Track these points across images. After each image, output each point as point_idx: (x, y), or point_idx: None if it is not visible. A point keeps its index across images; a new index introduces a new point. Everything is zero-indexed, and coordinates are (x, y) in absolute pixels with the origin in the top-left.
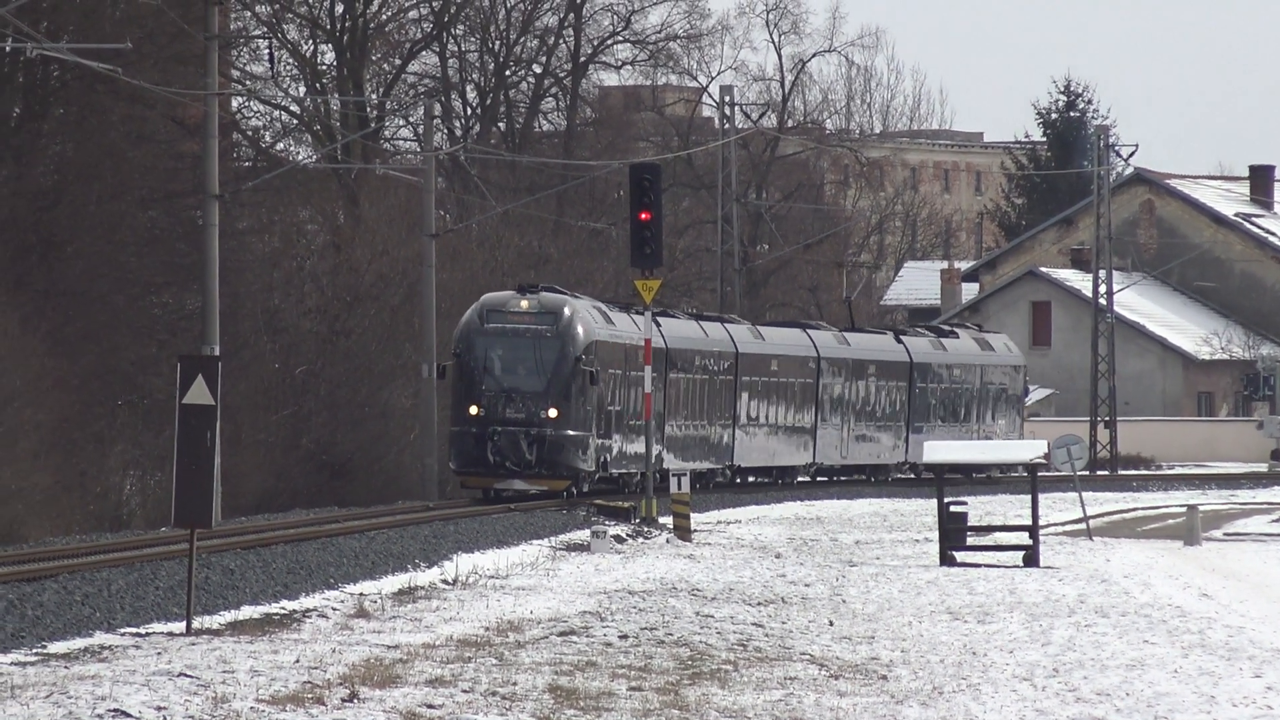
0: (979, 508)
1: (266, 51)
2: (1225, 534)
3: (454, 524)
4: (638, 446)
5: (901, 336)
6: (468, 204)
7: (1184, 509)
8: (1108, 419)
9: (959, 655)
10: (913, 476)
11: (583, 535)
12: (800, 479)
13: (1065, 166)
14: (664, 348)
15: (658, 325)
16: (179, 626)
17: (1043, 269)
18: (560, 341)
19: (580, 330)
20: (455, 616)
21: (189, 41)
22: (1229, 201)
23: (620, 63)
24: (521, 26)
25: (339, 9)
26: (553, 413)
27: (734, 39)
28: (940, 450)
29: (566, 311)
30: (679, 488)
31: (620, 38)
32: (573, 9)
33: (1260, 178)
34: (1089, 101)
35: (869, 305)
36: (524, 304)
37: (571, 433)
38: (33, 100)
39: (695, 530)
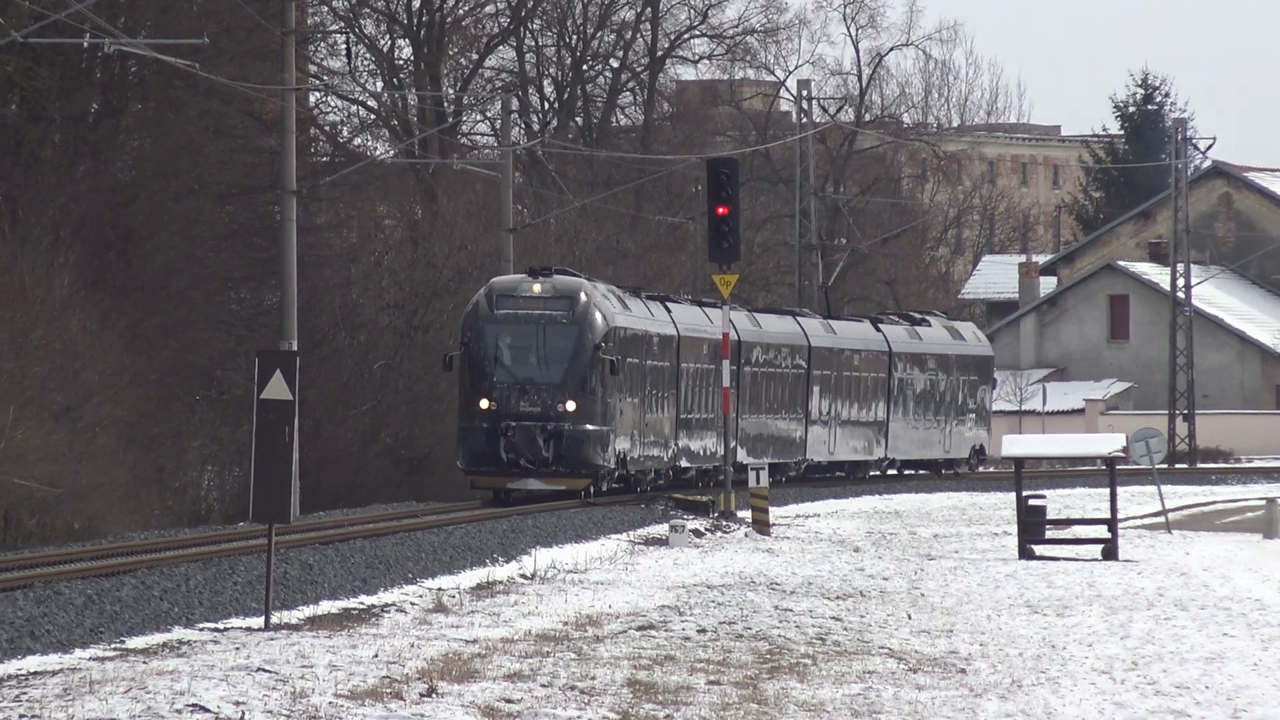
0: (1057, 501)
1: (344, 46)
2: None
3: (532, 518)
4: (658, 442)
5: (880, 325)
6: (545, 199)
7: (1263, 502)
8: (1186, 412)
9: (1038, 648)
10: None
11: (661, 529)
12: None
13: (1143, 160)
14: (675, 336)
15: (669, 312)
16: (257, 621)
17: (1120, 263)
18: (577, 328)
19: (598, 316)
20: (533, 611)
21: (266, 36)
22: None
23: (697, 57)
24: (598, 21)
25: (416, 4)
26: (571, 405)
27: (811, 33)
28: (1019, 444)
29: (583, 295)
30: (757, 482)
31: (697, 32)
32: (650, 3)
33: None
34: (1166, 94)
35: (946, 299)
36: (536, 287)
37: (591, 427)
38: (111, 96)
39: (773, 524)
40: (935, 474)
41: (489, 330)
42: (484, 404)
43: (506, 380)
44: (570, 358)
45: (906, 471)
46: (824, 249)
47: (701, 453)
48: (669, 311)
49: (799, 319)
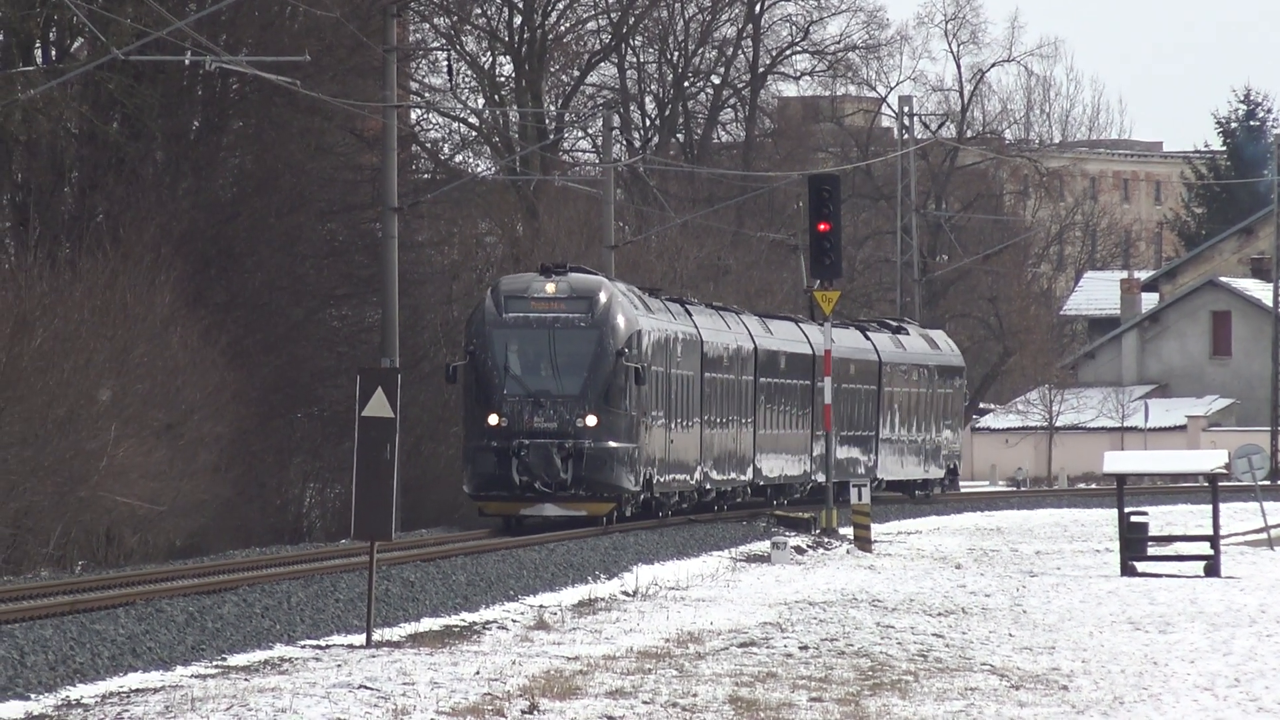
0: (1159, 518)
1: (445, 64)
2: None
3: (633, 535)
4: (685, 461)
5: (868, 332)
6: (647, 215)
7: None
8: None
9: (1140, 665)
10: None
11: (763, 546)
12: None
13: (1244, 176)
14: (699, 341)
15: (690, 316)
16: (359, 639)
17: (1223, 279)
18: (597, 332)
19: (620, 319)
20: (635, 628)
21: (368, 54)
22: None
23: (799, 73)
24: (700, 37)
25: (517, 21)
26: (591, 420)
27: (913, 49)
28: (1121, 460)
29: (603, 296)
30: (859, 499)
31: (799, 48)
32: (751, 20)
33: None
34: (1269, 110)
35: (1048, 315)
36: (550, 287)
37: (615, 444)
38: (212, 113)
39: (875, 541)
40: (909, 496)
41: (497, 336)
42: (493, 420)
43: (518, 393)
44: (590, 366)
45: (889, 493)
46: (925, 265)
47: (727, 473)
48: (690, 315)
49: (800, 325)
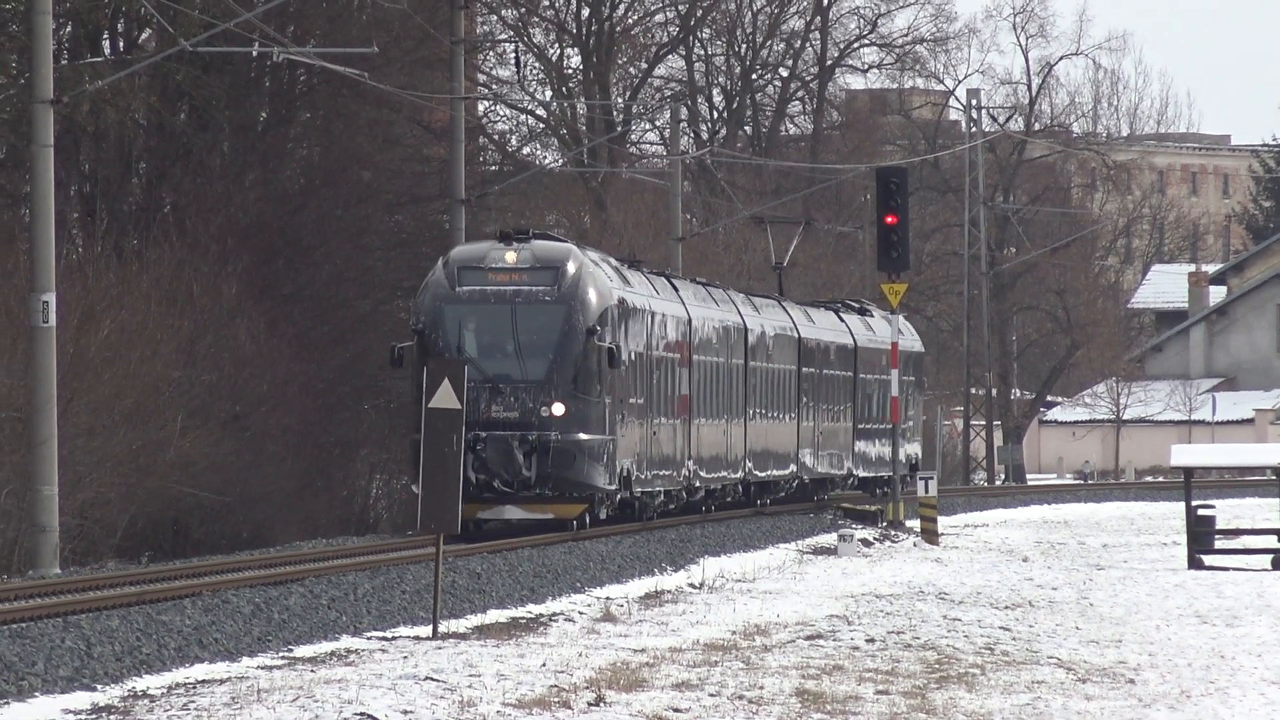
0: (1227, 511)
1: (513, 55)
2: None
3: (700, 528)
4: (669, 456)
5: (841, 315)
6: (714, 207)
7: None
8: None
9: (1207, 659)
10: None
11: (829, 539)
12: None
13: None
14: (686, 319)
15: (676, 291)
16: (425, 630)
17: None
18: (565, 307)
19: (592, 293)
20: (701, 620)
21: (435, 45)
22: None
23: (867, 66)
24: (768, 30)
25: (585, 13)
26: (558, 409)
27: (981, 42)
28: (1188, 453)
29: (571, 266)
30: (926, 491)
31: (866, 41)
32: (819, 12)
33: None
34: None
35: (1116, 309)
36: (510, 256)
37: (585, 437)
38: (280, 105)
39: (942, 534)
40: (870, 494)
41: (449, 313)
42: None
43: (474, 378)
44: (557, 346)
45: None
46: (992, 258)
47: (716, 469)
48: (676, 290)
49: (784, 305)
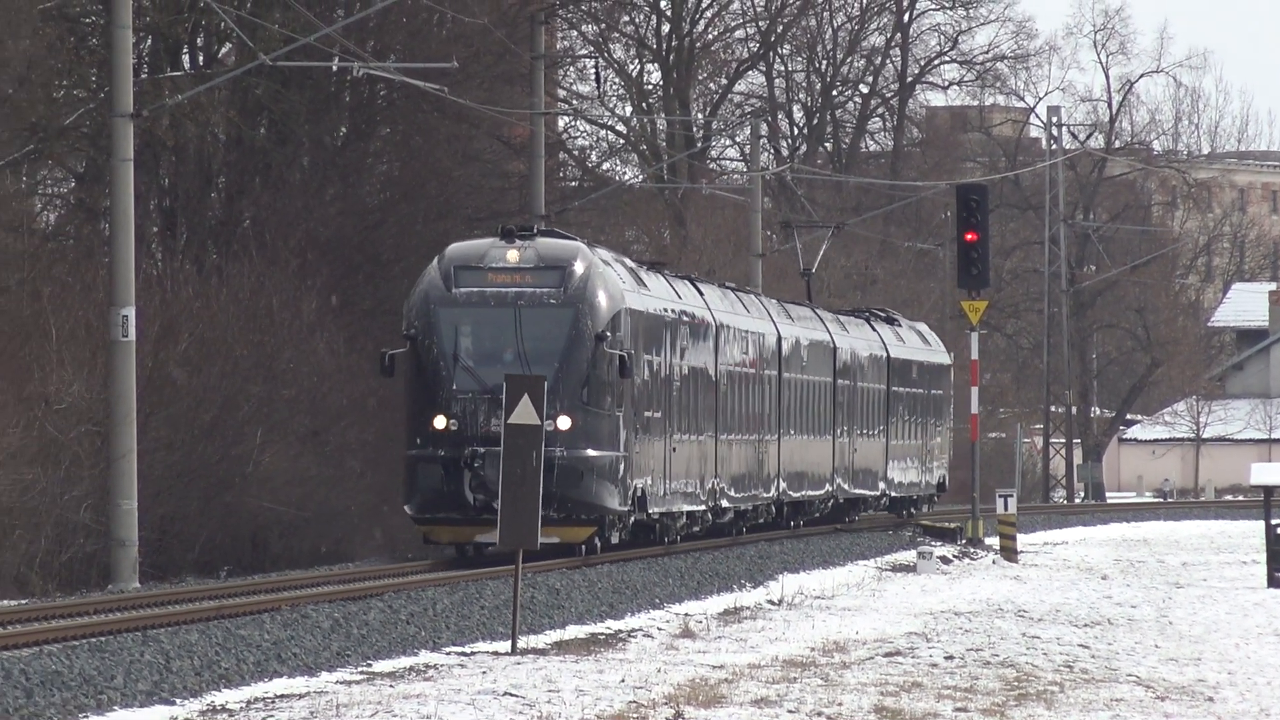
0: None
1: (593, 71)
2: None
3: (779, 544)
4: (691, 474)
5: (873, 323)
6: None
7: None
8: None
9: None
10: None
11: (908, 556)
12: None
13: None
14: (712, 326)
15: (701, 295)
16: (504, 646)
17: None
18: (572, 311)
19: (601, 295)
20: (780, 637)
21: (515, 60)
22: None
23: (947, 83)
24: (848, 46)
25: (666, 28)
26: (564, 423)
27: (1061, 59)
28: (1269, 472)
29: (578, 266)
30: (1005, 509)
31: (947, 58)
32: (900, 29)
33: None
34: None
35: (1196, 327)
36: (513, 255)
37: (594, 453)
38: (359, 119)
39: (1021, 551)
40: (898, 515)
41: (444, 317)
42: (439, 423)
43: (471, 388)
44: (562, 353)
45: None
46: (1072, 275)
47: (746, 489)
48: (701, 295)
49: (818, 313)
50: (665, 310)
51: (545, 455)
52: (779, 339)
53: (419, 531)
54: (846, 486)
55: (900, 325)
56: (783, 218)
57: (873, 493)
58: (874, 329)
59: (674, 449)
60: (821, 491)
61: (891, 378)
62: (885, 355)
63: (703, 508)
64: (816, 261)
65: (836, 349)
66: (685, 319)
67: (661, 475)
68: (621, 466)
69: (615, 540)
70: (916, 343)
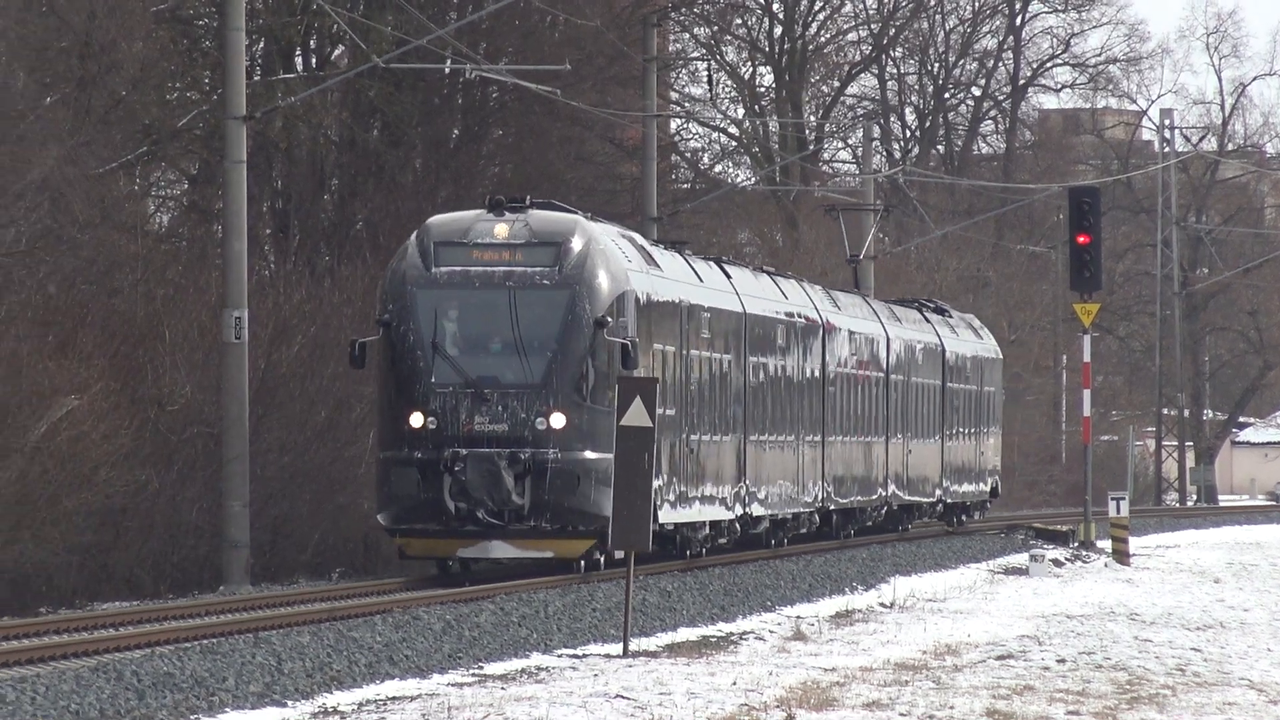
0: None
1: (705, 73)
2: None
3: (891, 547)
4: (712, 480)
5: (926, 313)
6: (906, 227)
7: None
8: None
9: None
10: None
11: (1020, 559)
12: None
13: None
14: (741, 314)
15: (729, 280)
16: (616, 648)
17: None
18: (567, 293)
19: (602, 275)
20: (892, 639)
21: (627, 63)
22: None
23: (1059, 85)
24: (960, 49)
25: (778, 31)
26: (558, 420)
27: (1174, 62)
28: None
29: (576, 242)
30: (1118, 512)
31: (1060, 60)
32: (1012, 32)
33: None
34: None
35: None
36: (501, 229)
37: (592, 455)
38: (472, 121)
39: (1133, 555)
40: (949, 523)
41: (423, 300)
42: (416, 421)
43: (452, 382)
44: (557, 341)
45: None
46: (1185, 278)
47: (782, 496)
48: (729, 278)
49: (869, 302)
50: (681, 295)
51: (536, 458)
52: (822, 329)
53: (394, 544)
54: (900, 492)
55: (951, 316)
56: (826, 200)
57: (928, 499)
58: (927, 319)
59: (692, 450)
60: (873, 498)
61: (946, 373)
62: (940, 348)
63: (730, 516)
64: (865, 247)
65: (889, 340)
66: (706, 305)
67: (676, 480)
68: None
69: (619, 555)
70: (969, 335)
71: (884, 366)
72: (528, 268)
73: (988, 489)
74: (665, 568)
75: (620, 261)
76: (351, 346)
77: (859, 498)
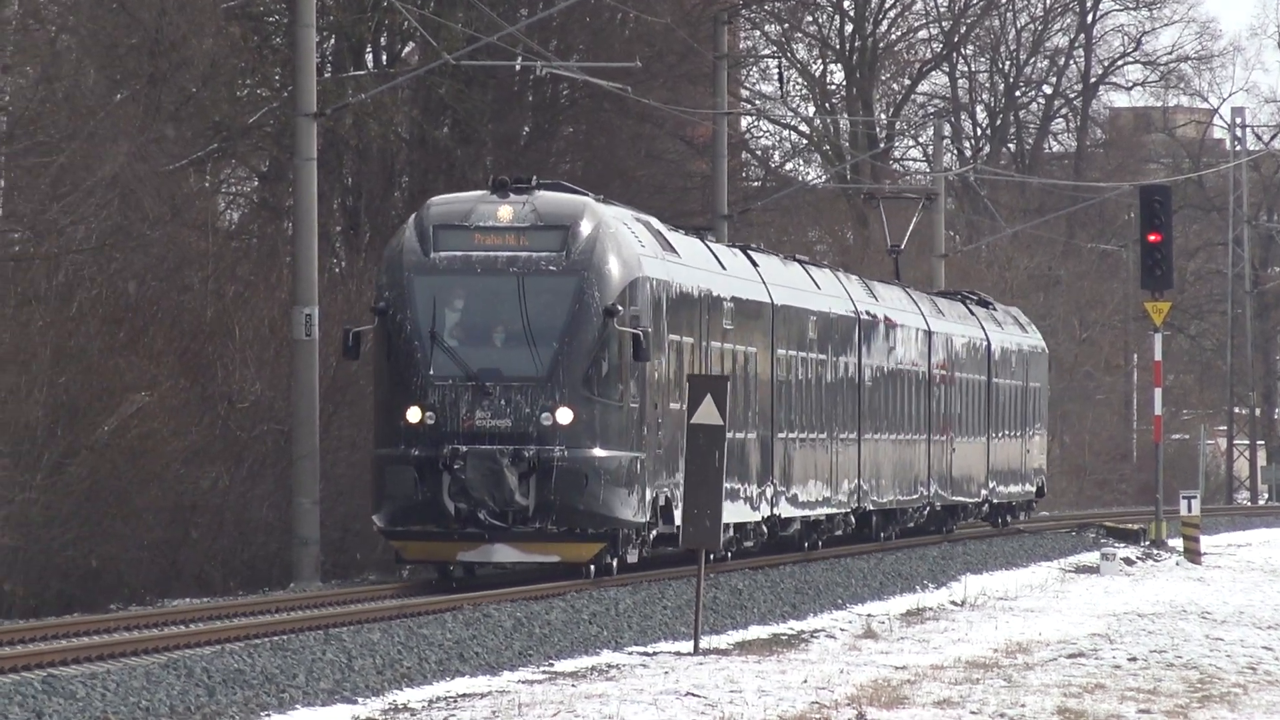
0: None
1: (776, 71)
2: None
3: (962, 545)
4: (742, 479)
5: (970, 304)
6: (977, 224)
7: None
8: None
9: None
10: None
11: (1092, 557)
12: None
13: None
14: (769, 305)
15: (756, 268)
16: (686, 646)
17: None
18: (575, 280)
19: (613, 260)
20: (963, 637)
21: (698, 60)
22: None
23: (1130, 84)
24: (1031, 47)
25: (849, 29)
26: (564, 416)
27: (1245, 60)
28: None
29: (585, 226)
30: (1189, 510)
31: (1131, 58)
32: (1083, 30)
33: None
34: None
35: None
36: (505, 212)
37: (601, 453)
38: (542, 119)
39: (1204, 553)
40: (994, 524)
41: (421, 287)
42: (414, 416)
43: (452, 374)
44: (563, 331)
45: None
46: (1256, 277)
47: (814, 497)
48: (755, 267)
49: (909, 292)
50: (700, 283)
51: (541, 456)
52: (858, 321)
53: (392, 548)
54: (944, 492)
55: (995, 309)
56: (866, 191)
57: (973, 499)
58: (971, 312)
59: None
60: (914, 498)
61: (992, 369)
62: (985, 342)
63: (757, 518)
64: (906, 237)
65: (931, 334)
66: (729, 293)
67: None
68: (638, 468)
69: (632, 559)
70: (1014, 329)
71: (925, 360)
72: (533, 252)
73: (1034, 489)
74: (682, 574)
75: (633, 246)
76: (345, 336)
77: (899, 499)
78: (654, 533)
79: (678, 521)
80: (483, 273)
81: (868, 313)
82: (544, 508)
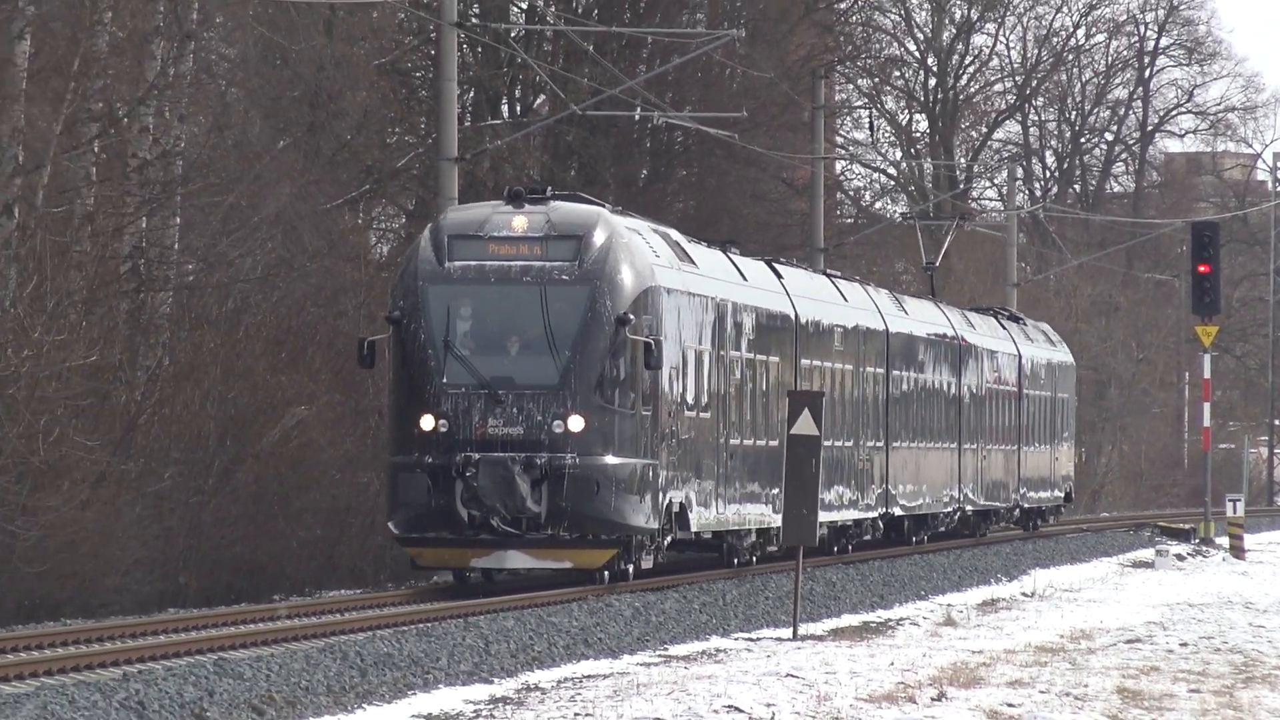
0: None
1: (867, 120)
2: None
3: (1031, 543)
4: (751, 483)
5: (1001, 319)
6: (1045, 257)
7: None
8: None
9: None
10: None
11: (1147, 554)
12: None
13: None
14: (792, 316)
15: (780, 279)
16: (786, 633)
17: None
18: (588, 289)
19: (625, 269)
20: (1033, 625)
21: (798, 111)
22: None
23: (1183, 131)
24: (1095, 99)
25: (932, 83)
26: (576, 423)
27: None
28: None
29: (599, 235)
30: (1235, 512)
31: (1184, 109)
32: (1141, 84)
33: None
34: None
35: None
36: (520, 222)
37: (613, 460)
38: (659, 163)
39: (1248, 550)
40: (1024, 527)
41: (435, 296)
42: (427, 424)
43: (465, 382)
44: (575, 340)
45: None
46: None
47: (836, 501)
48: (780, 279)
49: (940, 307)
50: (719, 292)
51: (553, 463)
52: (887, 333)
53: (407, 553)
54: (975, 498)
55: (1026, 324)
56: (903, 212)
57: (1004, 505)
58: (1003, 327)
59: (730, 455)
60: (944, 503)
61: (1022, 380)
62: (1016, 355)
63: (777, 522)
64: (940, 257)
65: (962, 347)
66: (749, 303)
67: (712, 486)
68: (651, 475)
69: (647, 565)
70: (1044, 342)
71: (957, 372)
72: (546, 262)
73: (1062, 495)
74: (713, 575)
75: (646, 256)
76: (359, 345)
77: (928, 504)
78: (669, 539)
79: (693, 527)
80: (496, 282)
81: (893, 326)
82: (556, 514)
